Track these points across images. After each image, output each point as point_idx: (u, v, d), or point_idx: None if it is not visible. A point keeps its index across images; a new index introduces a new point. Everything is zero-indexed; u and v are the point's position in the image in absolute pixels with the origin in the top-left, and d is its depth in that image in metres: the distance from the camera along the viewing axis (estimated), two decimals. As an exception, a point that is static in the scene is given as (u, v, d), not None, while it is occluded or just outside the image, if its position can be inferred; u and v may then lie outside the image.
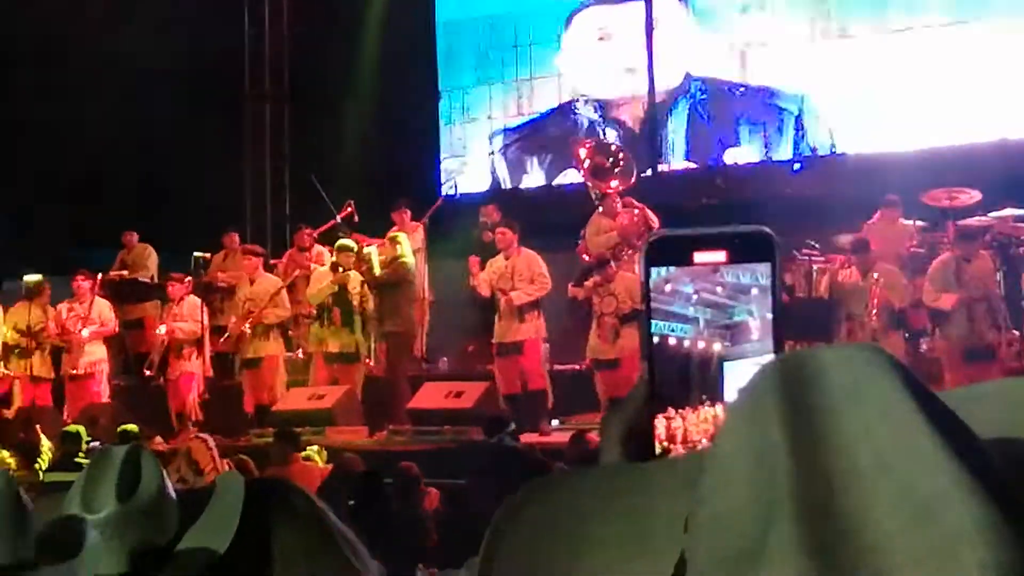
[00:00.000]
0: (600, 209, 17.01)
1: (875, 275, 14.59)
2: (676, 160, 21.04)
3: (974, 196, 15.77)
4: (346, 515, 8.20)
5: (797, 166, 20.26)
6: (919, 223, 15.99)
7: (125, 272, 19.54)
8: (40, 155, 20.88)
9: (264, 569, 2.71)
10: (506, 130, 23.16)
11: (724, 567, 0.91)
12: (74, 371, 18.07)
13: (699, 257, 1.26)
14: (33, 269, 18.67)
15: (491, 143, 23.23)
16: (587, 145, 18.45)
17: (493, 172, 23.02)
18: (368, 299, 17.18)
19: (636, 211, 16.71)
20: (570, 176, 21.55)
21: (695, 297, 1.27)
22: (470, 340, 18.47)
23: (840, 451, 0.90)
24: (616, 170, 17.52)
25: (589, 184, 17.53)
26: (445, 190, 22.31)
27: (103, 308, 18.25)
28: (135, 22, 21.12)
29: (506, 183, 22.66)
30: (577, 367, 16.96)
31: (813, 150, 20.40)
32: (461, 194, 22.20)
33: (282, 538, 2.72)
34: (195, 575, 2.68)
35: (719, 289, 1.27)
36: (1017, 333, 14.68)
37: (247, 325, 17.41)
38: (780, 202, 18.57)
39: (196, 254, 19.96)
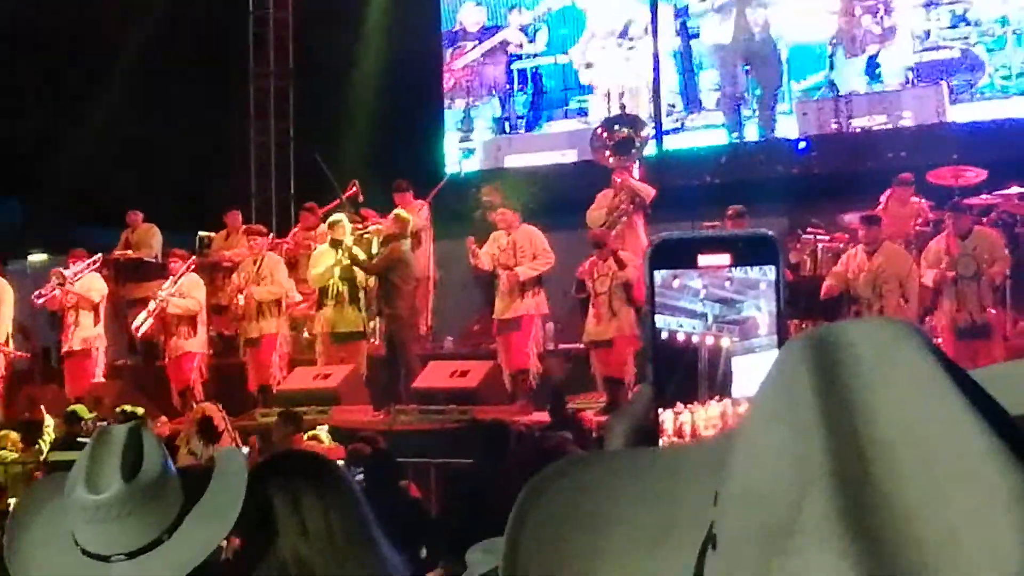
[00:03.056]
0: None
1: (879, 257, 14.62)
2: (680, 138, 20.97)
3: (980, 175, 15.77)
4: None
5: (803, 145, 20.22)
6: (926, 202, 15.97)
7: (129, 252, 19.55)
8: (43, 135, 20.90)
9: (286, 546, 2.70)
10: (513, 108, 23.17)
11: (758, 539, 0.91)
12: (68, 348, 18.09)
13: (703, 260, 1.26)
14: (39, 249, 18.71)
15: (503, 120, 23.21)
16: (606, 122, 18.42)
17: (499, 150, 22.99)
18: (370, 278, 17.22)
19: (618, 180, 16.69)
20: (573, 154, 21.59)
21: (703, 292, 1.27)
22: (475, 319, 18.49)
23: (872, 423, 0.91)
24: (637, 142, 17.52)
25: (602, 159, 17.46)
26: (450, 169, 22.27)
27: (92, 280, 18.24)
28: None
29: (510, 161, 22.60)
30: (580, 346, 17.01)
31: (820, 128, 20.31)
32: (466, 173, 22.19)
33: (314, 515, 2.71)
34: (194, 558, 2.68)
35: (727, 284, 1.27)
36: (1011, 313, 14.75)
37: (241, 300, 17.45)
38: (786, 181, 18.59)
39: (200, 233, 20.00)
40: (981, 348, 13.87)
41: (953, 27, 19.35)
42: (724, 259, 1.25)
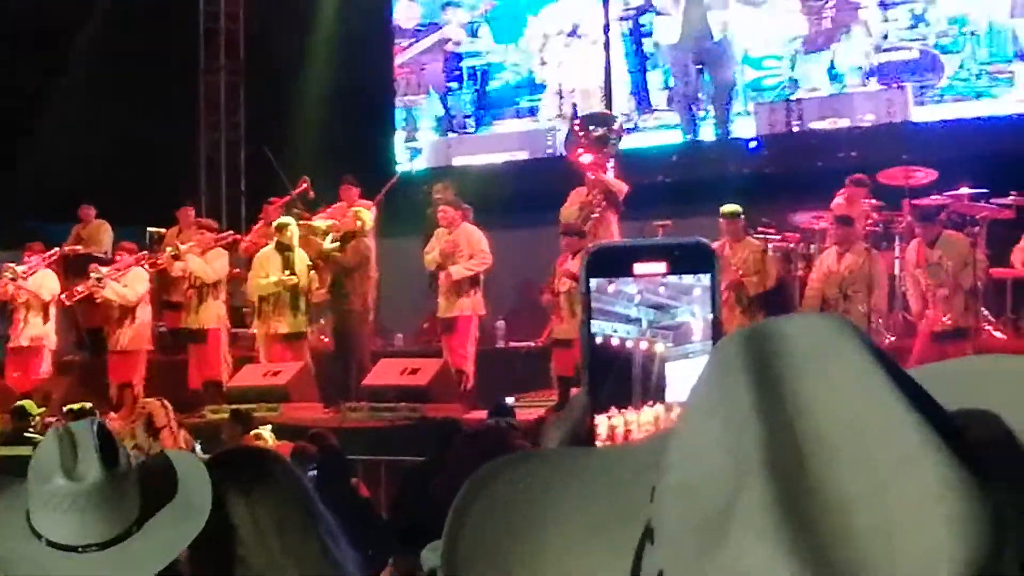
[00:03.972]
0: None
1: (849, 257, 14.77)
2: (633, 138, 20.96)
3: (930, 175, 15.84)
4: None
5: (754, 144, 20.27)
6: (875, 202, 16.03)
7: (80, 247, 19.46)
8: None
9: (234, 544, 2.69)
10: (458, 107, 23.13)
11: (695, 531, 0.91)
12: (16, 344, 18.02)
13: (639, 268, 1.27)
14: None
15: (447, 119, 23.14)
16: (583, 119, 18.36)
17: (448, 148, 22.93)
18: (314, 280, 17.26)
19: (591, 176, 16.66)
20: (524, 155, 21.58)
21: (638, 298, 1.27)
22: (425, 316, 18.49)
23: (808, 415, 0.91)
24: (612, 137, 17.48)
25: (574, 156, 17.39)
26: (400, 167, 22.22)
27: (44, 278, 18.13)
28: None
29: (460, 161, 22.53)
30: (532, 344, 17.03)
31: (772, 127, 20.32)
32: (416, 171, 22.15)
33: (261, 513, 2.71)
34: (167, 553, 2.68)
35: (661, 290, 1.27)
36: (987, 313, 14.88)
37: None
38: (737, 180, 18.63)
39: (150, 229, 19.91)
40: (955, 351, 13.92)
41: (912, 27, 19.41)
42: (660, 267, 1.26)
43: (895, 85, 19.36)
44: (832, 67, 19.93)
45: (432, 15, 23.36)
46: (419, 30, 23.44)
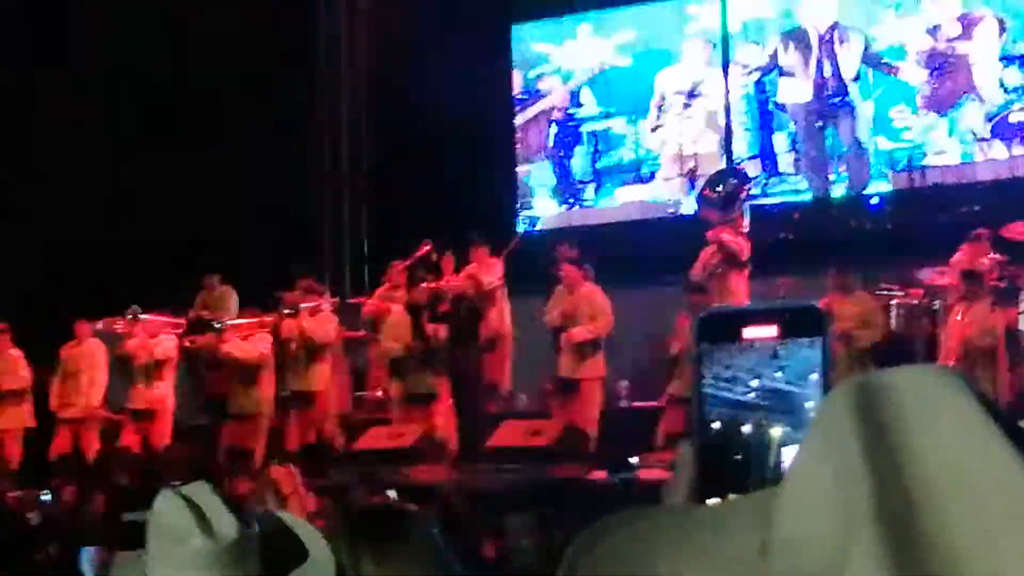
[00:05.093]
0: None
1: (958, 316, 14.57)
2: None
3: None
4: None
5: (876, 200, 20.09)
6: (999, 256, 15.80)
7: (205, 312, 19.54)
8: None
9: None
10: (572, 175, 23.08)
11: None
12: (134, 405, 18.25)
13: (749, 332, 1.26)
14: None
15: (564, 186, 23.10)
16: (711, 178, 18.28)
17: (574, 205, 22.86)
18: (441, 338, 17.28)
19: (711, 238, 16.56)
20: (650, 213, 21.47)
21: (751, 373, 1.26)
22: (548, 377, 18.40)
23: (918, 468, 0.91)
24: (741, 195, 17.39)
25: (709, 216, 17.27)
26: (522, 225, 22.22)
27: (164, 341, 18.36)
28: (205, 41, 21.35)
29: (587, 218, 22.47)
30: (656, 404, 16.92)
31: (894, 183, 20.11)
32: (540, 230, 22.11)
33: (391, 573, 2.72)
34: None
35: (777, 370, 1.25)
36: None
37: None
38: (859, 236, 18.47)
39: (277, 294, 19.98)
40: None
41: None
42: (771, 331, 1.25)
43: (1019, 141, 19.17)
44: (953, 128, 19.72)
45: (531, 81, 23.32)
46: (524, 97, 23.39)
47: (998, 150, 19.51)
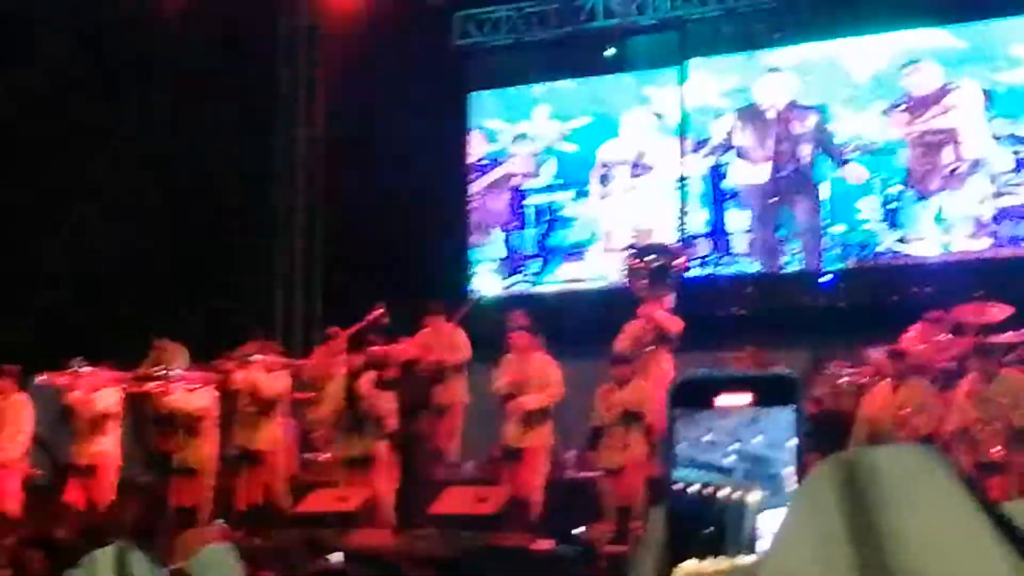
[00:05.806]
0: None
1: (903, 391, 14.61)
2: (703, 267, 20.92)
3: (1006, 311, 15.67)
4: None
5: (828, 277, 20.21)
6: (951, 337, 15.90)
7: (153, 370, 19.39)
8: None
9: None
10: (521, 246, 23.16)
11: None
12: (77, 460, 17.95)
13: (721, 400, 1.24)
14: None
15: (510, 260, 23.16)
16: (639, 250, 18.36)
17: (523, 274, 22.94)
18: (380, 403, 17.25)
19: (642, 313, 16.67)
20: (600, 280, 21.54)
21: (727, 441, 1.24)
22: (496, 444, 18.42)
23: (899, 544, 0.91)
24: (672, 271, 17.48)
25: (636, 287, 17.38)
26: (472, 293, 22.25)
27: (109, 394, 18.18)
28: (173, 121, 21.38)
29: (535, 287, 22.53)
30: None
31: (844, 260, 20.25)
32: (490, 297, 22.15)
33: None
34: None
35: (753, 437, 1.24)
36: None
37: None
38: (810, 313, 18.60)
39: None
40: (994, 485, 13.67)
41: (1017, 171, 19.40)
42: (745, 399, 1.24)
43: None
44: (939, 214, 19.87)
45: (501, 152, 23.38)
46: (484, 164, 23.45)
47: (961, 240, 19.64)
